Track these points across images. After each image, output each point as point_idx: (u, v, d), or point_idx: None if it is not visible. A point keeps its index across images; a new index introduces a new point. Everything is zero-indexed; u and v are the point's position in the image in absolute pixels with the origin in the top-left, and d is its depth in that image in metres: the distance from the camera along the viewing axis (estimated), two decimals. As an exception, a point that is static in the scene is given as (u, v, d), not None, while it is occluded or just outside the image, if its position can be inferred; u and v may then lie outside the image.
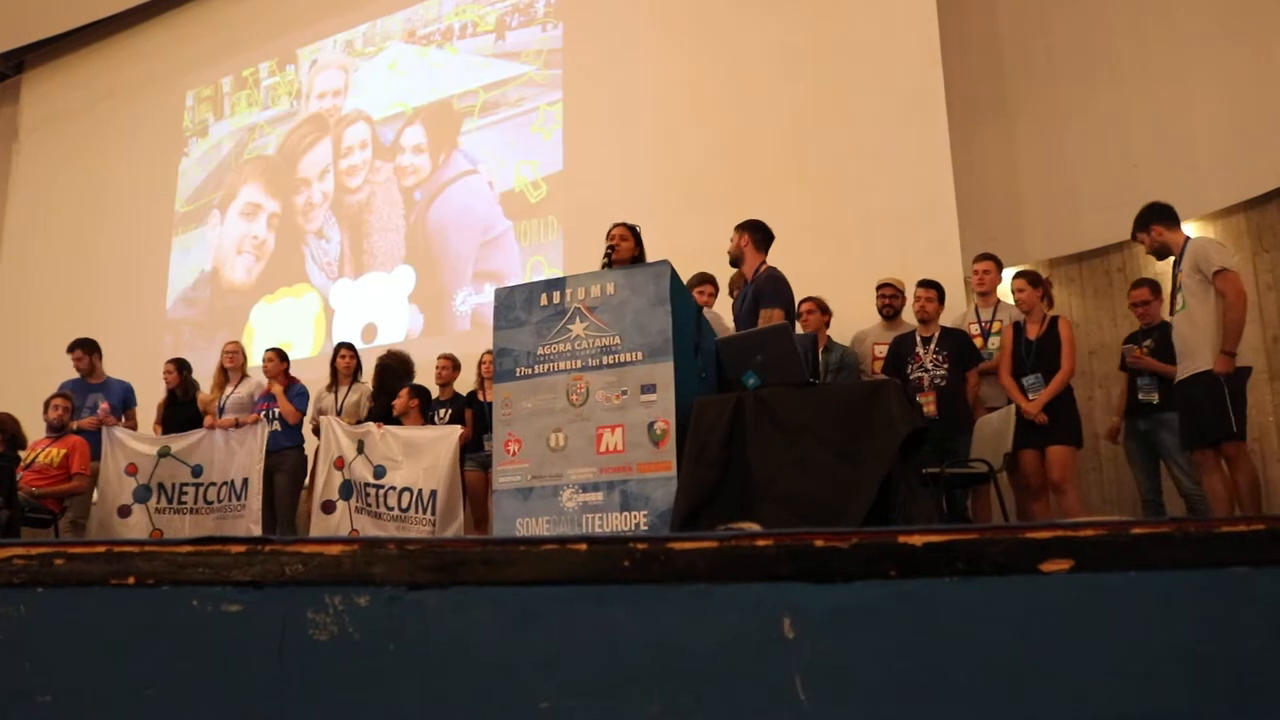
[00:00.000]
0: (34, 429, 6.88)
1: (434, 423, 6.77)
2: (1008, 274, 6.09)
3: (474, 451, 6.54)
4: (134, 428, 7.33)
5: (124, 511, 6.74)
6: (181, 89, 11.18)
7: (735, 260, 5.34)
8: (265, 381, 7.28)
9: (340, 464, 6.59)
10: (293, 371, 7.45)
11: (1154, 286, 5.71)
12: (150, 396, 7.71)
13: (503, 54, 9.02)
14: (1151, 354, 5.49)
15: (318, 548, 1.10)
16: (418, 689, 1.05)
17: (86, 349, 7.50)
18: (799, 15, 7.66)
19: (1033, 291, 5.47)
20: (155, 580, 1.13)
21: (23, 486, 6.33)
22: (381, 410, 6.82)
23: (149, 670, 1.12)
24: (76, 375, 7.51)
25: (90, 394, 7.29)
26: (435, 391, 7.07)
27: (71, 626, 1.15)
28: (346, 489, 6.53)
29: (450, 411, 6.83)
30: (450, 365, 7.07)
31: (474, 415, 6.69)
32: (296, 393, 7.07)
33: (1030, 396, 5.28)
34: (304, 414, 7.01)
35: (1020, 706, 0.93)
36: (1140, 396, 5.45)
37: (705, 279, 6.18)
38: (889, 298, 6.07)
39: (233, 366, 7.35)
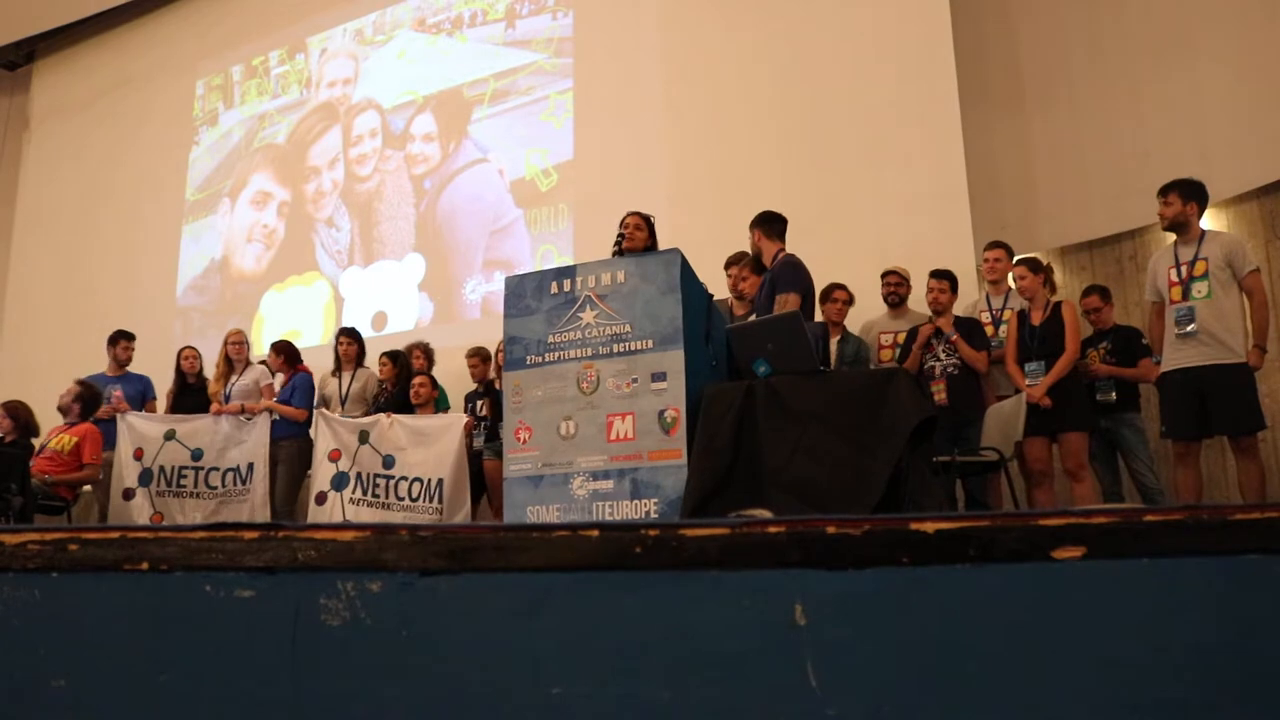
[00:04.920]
0: (44, 415, 6.92)
1: (474, 414, 6.79)
2: (1019, 262, 6.10)
3: (491, 440, 6.55)
4: None
5: (128, 495, 6.78)
6: (192, 78, 11.19)
7: (758, 256, 5.37)
8: (269, 369, 7.30)
9: (335, 456, 6.60)
10: (305, 360, 7.46)
11: (1103, 293, 5.88)
12: (160, 384, 7.74)
13: (513, 42, 9.00)
14: (1109, 355, 5.63)
15: (330, 534, 1.10)
16: (430, 674, 1.06)
17: (131, 340, 7.65)
18: (812, 3, 7.63)
19: (1034, 278, 5.47)
20: (168, 566, 1.13)
21: (35, 473, 6.36)
22: (398, 397, 6.86)
23: (162, 655, 1.13)
24: (99, 367, 7.58)
25: (109, 385, 7.33)
26: (455, 381, 7.11)
27: (85, 611, 1.16)
28: (340, 480, 6.54)
29: (486, 401, 6.84)
30: (481, 360, 7.09)
31: (491, 403, 6.70)
32: (295, 386, 7.06)
33: (1029, 383, 5.28)
34: (306, 408, 7.00)
35: (1032, 694, 0.93)
36: (1099, 398, 5.51)
37: (741, 259, 6.11)
38: (894, 285, 6.11)
39: (236, 357, 7.36)
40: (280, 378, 7.23)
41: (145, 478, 6.81)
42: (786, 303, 4.86)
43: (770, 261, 5.23)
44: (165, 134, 11.11)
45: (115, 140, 11.47)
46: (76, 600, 1.16)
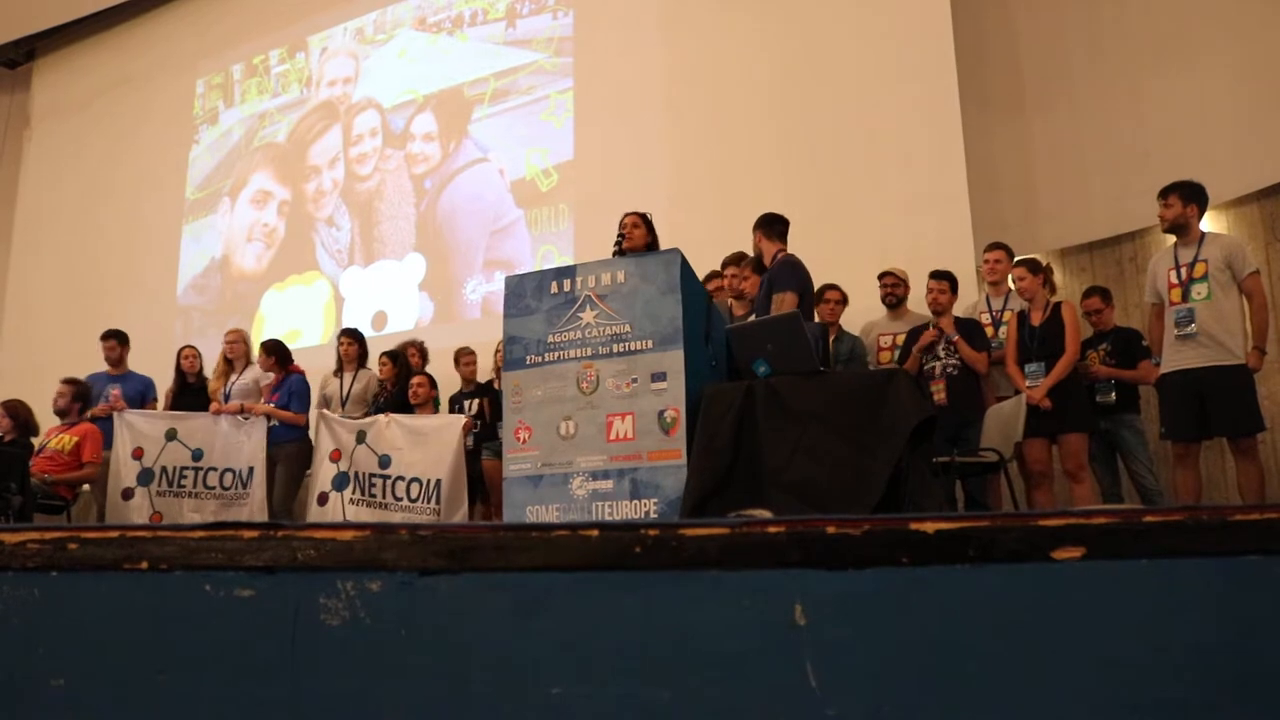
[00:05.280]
0: (45, 414, 6.91)
1: (463, 413, 6.78)
2: (1019, 263, 6.09)
3: (490, 440, 6.55)
4: None
5: (127, 494, 6.74)
6: (192, 76, 11.19)
7: (759, 256, 5.39)
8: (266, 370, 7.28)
9: (336, 456, 6.60)
10: (304, 359, 7.44)
11: (1105, 294, 5.88)
12: (160, 383, 7.73)
13: (513, 42, 9.00)
14: (1109, 356, 5.63)
15: (330, 533, 1.10)
16: (429, 674, 1.06)
17: (119, 340, 7.58)
18: (812, 4, 7.63)
19: (1033, 279, 5.46)
20: (168, 565, 1.13)
21: (34, 473, 6.35)
22: (398, 397, 6.85)
23: (161, 654, 1.13)
24: (98, 366, 7.57)
25: (109, 384, 7.32)
26: (456, 380, 7.10)
27: (84, 611, 1.16)
28: (341, 480, 6.54)
29: (478, 401, 6.84)
30: (475, 360, 7.10)
31: (490, 403, 6.70)
32: (290, 390, 7.04)
33: (1030, 384, 5.27)
34: (304, 412, 6.99)
35: (1031, 694, 0.93)
36: (1098, 399, 5.51)
37: (739, 260, 6.04)
38: (890, 286, 6.09)
39: (234, 356, 7.35)
40: (270, 377, 7.19)
41: (145, 477, 6.78)
42: (783, 302, 4.87)
43: (770, 261, 5.24)
44: (165, 133, 11.11)
45: (115, 139, 11.46)
46: (76, 599, 1.16)
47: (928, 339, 5.56)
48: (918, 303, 6.01)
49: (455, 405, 6.96)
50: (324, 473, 6.62)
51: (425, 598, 1.07)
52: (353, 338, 7.31)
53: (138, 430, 6.89)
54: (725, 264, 6.15)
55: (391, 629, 1.07)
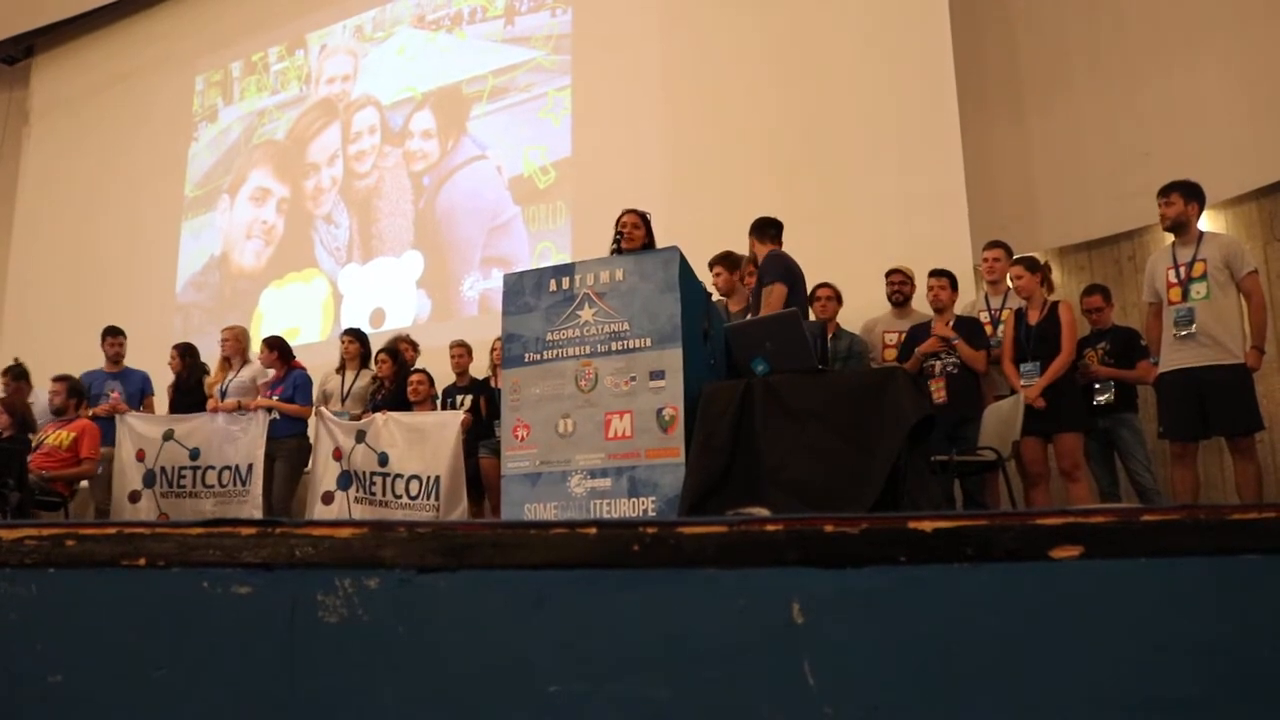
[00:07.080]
0: (42, 410, 6.91)
1: (454, 409, 6.78)
2: (1018, 262, 6.09)
3: (487, 438, 6.54)
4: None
5: (134, 497, 6.75)
6: (191, 73, 11.18)
7: (755, 259, 5.43)
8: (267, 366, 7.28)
9: (338, 455, 6.60)
10: (303, 357, 7.44)
11: (1105, 293, 5.89)
12: (160, 380, 7.73)
13: (511, 39, 9.00)
14: (1108, 355, 5.63)
15: (328, 530, 1.10)
16: (427, 671, 1.06)
17: (121, 336, 7.58)
18: (811, 2, 7.63)
19: (1031, 277, 5.46)
20: (166, 562, 1.13)
21: (32, 469, 6.34)
22: (397, 394, 6.85)
23: (159, 651, 1.13)
24: (98, 363, 7.57)
25: (107, 382, 7.32)
26: (452, 378, 7.10)
27: (82, 607, 1.16)
28: (345, 479, 6.54)
29: (471, 397, 6.85)
30: (466, 352, 7.10)
31: (487, 401, 6.70)
32: (295, 384, 7.04)
33: (1024, 383, 5.27)
34: (309, 405, 6.99)
35: (1029, 693, 0.93)
36: (1097, 399, 5.52)
37: (725, 259, 6.03)
38: (898, 284, 6.09)
39: (229, 353, 7.35)
40: (269, 374, 7.18)
41: (149, 479, 6.78)
42: (772, 292, 4.93)
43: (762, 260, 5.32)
44: (164, 130, 11.10)
45: (114, 136, 11.45)
46: (74, 596, 1.16)
47: (933, 348, 5.54)
48: (920, 301, 6.02)
49: (447, 399, 6.96)
50: (328, 471, 6.63)
51: (423, 595, 1.07)
52: (355, 337, 7.33)
53: (138, 432, 6.91)
54: (711, 264, 6.11)
55: (389, 626, 1.07)
